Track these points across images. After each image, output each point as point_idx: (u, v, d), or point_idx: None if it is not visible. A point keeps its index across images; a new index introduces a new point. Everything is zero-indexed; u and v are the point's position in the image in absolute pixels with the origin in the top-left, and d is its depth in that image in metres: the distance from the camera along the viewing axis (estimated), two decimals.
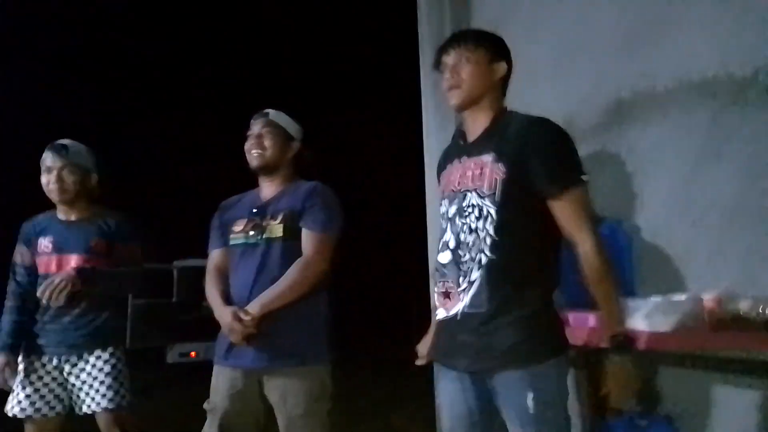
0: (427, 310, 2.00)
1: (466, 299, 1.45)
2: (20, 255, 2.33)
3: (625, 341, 1.40)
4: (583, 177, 1.46)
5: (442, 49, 1.60)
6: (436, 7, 3.07)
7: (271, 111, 2.12)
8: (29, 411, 2.19)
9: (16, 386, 2.22)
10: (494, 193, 1.43)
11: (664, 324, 1.60)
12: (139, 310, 7.79)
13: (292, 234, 1.97)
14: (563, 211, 1.43)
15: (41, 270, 2.27)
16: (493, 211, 1.43)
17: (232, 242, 2.06)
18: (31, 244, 2.31)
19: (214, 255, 2.13)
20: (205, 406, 2.00)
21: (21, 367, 2.23)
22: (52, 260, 2.26)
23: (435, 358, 1.64)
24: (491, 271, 1.42)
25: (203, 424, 1.97)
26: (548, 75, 2.56)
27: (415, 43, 3.27)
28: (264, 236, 1.98)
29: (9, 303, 2.28)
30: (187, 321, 8.47)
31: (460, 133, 1.64)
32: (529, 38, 2.62)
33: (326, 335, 2.02)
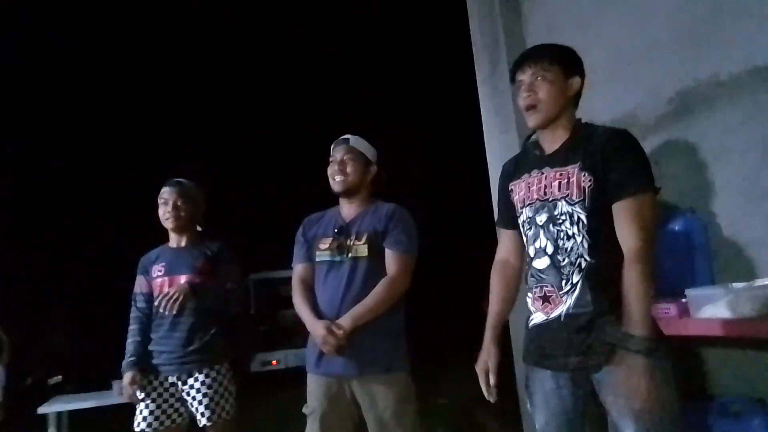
0: None
1: (569, 301, 1.51)
2: (139, 284, 2.63)
3: (647, 345, 1.38)
4: (653, 187, 1.50)
5: (517, 66, 1.63)
6: (488, 16, 3.13)
7: (351, 137, 2.27)
8: (155, 425, 2.46)
9: (139, 405, 2.49)
10: (584, 200, 1.51)
11: (750, 310, 1.64)
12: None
13: (375, 253, 2.14)
14: (620, 214, 1.48)
15: (156, 292, 2.55)
16: (584, 217, 1.50)
17: (318, 258, 2.22)
18: (148, 273, 2.61)
19: (300, 269, 2.30)
20: (304, 410, 2.19)
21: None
22: (165, 281, 2.55)
23: (528, 362, 1.66)
24: (592, 273, 1.49)
25: (291, 428, 2.15)
26: (608, 74, 2.60)
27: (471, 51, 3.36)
28: (350, 255, 2.14)
29: (131, 327, 2.57)
30: (266, 331, 8.86)
31: (534, 145, 1.68)
32: (584, 40, 2.64)
33: (405, 344, 2.18)
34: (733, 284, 1.76)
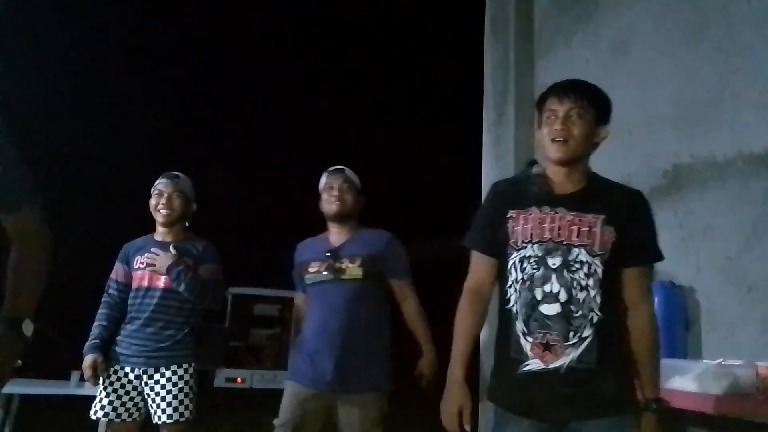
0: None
1: (574, 354, 1.45)
2: (116, 272, 2.58)
3: (660, 406, 1.46)
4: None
5: (555, 93, 1.55)
6: (502, 65, 3.23)
7: (345, 168, 2.40)
8: (111, 415, 2.40)
9: (100, 392, 2.44)
10: (604, 254, 1.47)
11: (716, 387, 1.64)
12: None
13: (369, 276, 2.25)
14: (637, 280, 1.52)
15: (135, 284, 2.52)
16: (600, 271, 1.47)
17: (308, 281, 2.33)
18: (128, 262, 2.57)
19: (299, 298, 2.50)
20: (275, 422, 2.22)
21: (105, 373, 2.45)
22: (146, 275, 2.50)
23: (513, 410, 1.54)
24: (601, 329, 1.46)
25: None
26: (606, 141, 2.66)
27: (480, 94, 3.44)
28: (342, 277, 2.24)
29: (100, 311, 2.53)
30: (237, 347, 8.70)
31: (542, 178, 1.59)
32: None
33: (390, 366, 2.28)
34: (704, 360, 1.76)
